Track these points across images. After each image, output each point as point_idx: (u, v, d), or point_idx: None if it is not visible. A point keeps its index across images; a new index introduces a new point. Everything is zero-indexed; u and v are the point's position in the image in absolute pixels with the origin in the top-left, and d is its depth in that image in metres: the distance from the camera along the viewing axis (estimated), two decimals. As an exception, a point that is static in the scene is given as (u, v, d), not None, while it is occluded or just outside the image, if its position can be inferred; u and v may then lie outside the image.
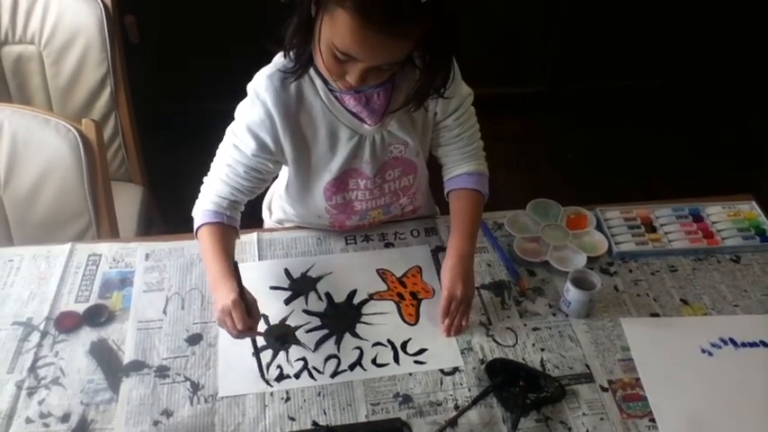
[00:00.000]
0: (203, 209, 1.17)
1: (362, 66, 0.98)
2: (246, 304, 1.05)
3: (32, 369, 1.09)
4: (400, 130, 1.18)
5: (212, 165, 1.21)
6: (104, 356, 1.12)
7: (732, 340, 1.16)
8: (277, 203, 1.40)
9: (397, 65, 1.03)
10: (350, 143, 1.17)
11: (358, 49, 0.95)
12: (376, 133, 1.17)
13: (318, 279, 1.25)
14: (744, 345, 1.16)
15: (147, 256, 1.29)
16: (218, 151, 1.20)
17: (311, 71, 1.10)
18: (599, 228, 1.35)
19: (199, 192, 1.20)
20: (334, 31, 0.95)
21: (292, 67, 1.08)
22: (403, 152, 1.22)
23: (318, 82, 1.12)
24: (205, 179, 1.21)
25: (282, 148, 1.16)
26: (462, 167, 1.28)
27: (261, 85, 1.12)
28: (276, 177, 1.30)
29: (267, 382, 1.09)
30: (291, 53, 1.06)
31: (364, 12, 0.90)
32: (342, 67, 1.00)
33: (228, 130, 1.18)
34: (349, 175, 1.22)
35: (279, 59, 1.12)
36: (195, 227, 1.17)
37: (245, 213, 1.22)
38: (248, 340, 1.10)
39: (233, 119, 1.16)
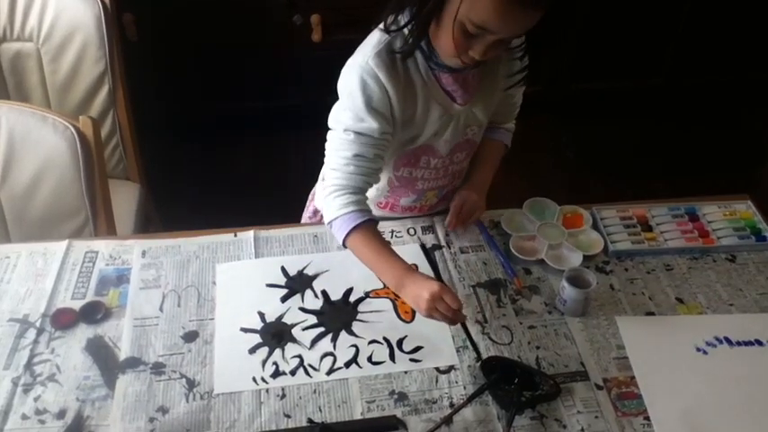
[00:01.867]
0: (345, 212, 1.13)
1: (491, 39, 1.03)
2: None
3: (28, 366, 1.09)
4: (482, 111, 1.25)
5: (327, 169, 1.17)
6: (100, 353, 1.12)
7: (727, 339, 1.16)
8: None
9: (518, 38, 1.12)
10: (439, 121, 1.21)
11: (499, 22, 1.00)
12: (462, 113, 1.22)
13: (315, 277, 1.26)
14: (739, 343, 1.16)
15: (143, 254, 1.29)
16: (330, 153, 1.17)
17: None
18: (595, 227, 1.35)
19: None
20: (476, 7, 0.99)
21: (408, 45, 1.11)
22: (476, 134, 1.29)
23: (420, 59, 1.15)
24: (320, 186, 1.19)
25: (396, 121, 1.17)
26: (502, 125, 1.38)
27: (371, 63, 1.11)
28: None
29: (477, 353, 1.13)
30: (412, 33, 1.09)
31: None
32: (469, 42, 1.05)
33: (337, 128, 1.16)
34: (423, 152, 1.26)
35: (377, 38, 1.13)
36: (342, 234, 1.14)
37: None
38: (244, 339, 1.12)
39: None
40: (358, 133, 1.13)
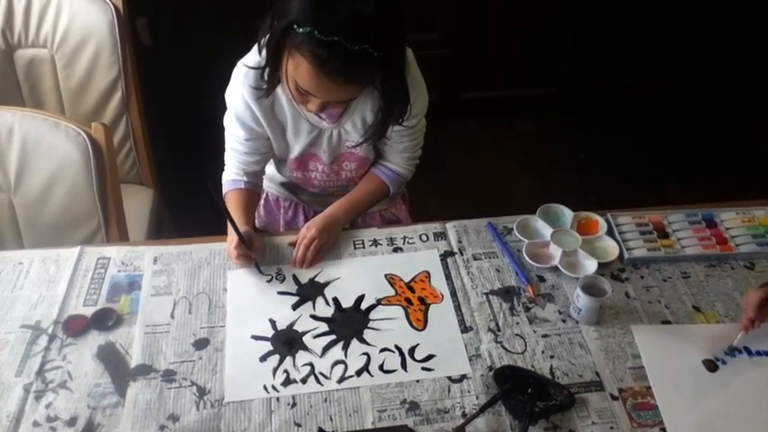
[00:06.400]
0: (227, 178, 1.38)
1: (321, 100, 1.13)
2: (249, 242, 1.24)
3: (40, 372, 1.10)
4: (354, 131, 1.31)
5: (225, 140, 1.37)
6: (111, 360, 1.12)
7: (746, 348, 1.14)
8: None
9: (353, 98, 1.19)
10: (310, 135, 1.32)
11: (316, 91, 1.10)
12: (333, 129, 1.31)
13: (326, 284, 1.25)
14: (758, 353, 1.14)
15: (155, 260, 1.29)
16: (224, 133, 1.37)
17: None
18: (610, 233, 1.33)
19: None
20: (297, 72, 1.08)
21: (264, 86, 1.20)
22: (358, 150, 1.36)
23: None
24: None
25: (266, 129, 1.31)
26: (393, 164, 1.42)
27: (239, 80, 1.26)
28: None
29: (260, 270, 1.26)
30: (264, 74, 1.18)
31: (321, 66, 1.04)
32: (305, 97, 1.14)
33: (225, 117, 1.34)
34: (309, 158, 1.38)
35: (254, 57, 1.22)
36: (224, 191, 1.37)
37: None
38: (255, 347, 1.13)
39: None
40: (232, 133, 1.33)
